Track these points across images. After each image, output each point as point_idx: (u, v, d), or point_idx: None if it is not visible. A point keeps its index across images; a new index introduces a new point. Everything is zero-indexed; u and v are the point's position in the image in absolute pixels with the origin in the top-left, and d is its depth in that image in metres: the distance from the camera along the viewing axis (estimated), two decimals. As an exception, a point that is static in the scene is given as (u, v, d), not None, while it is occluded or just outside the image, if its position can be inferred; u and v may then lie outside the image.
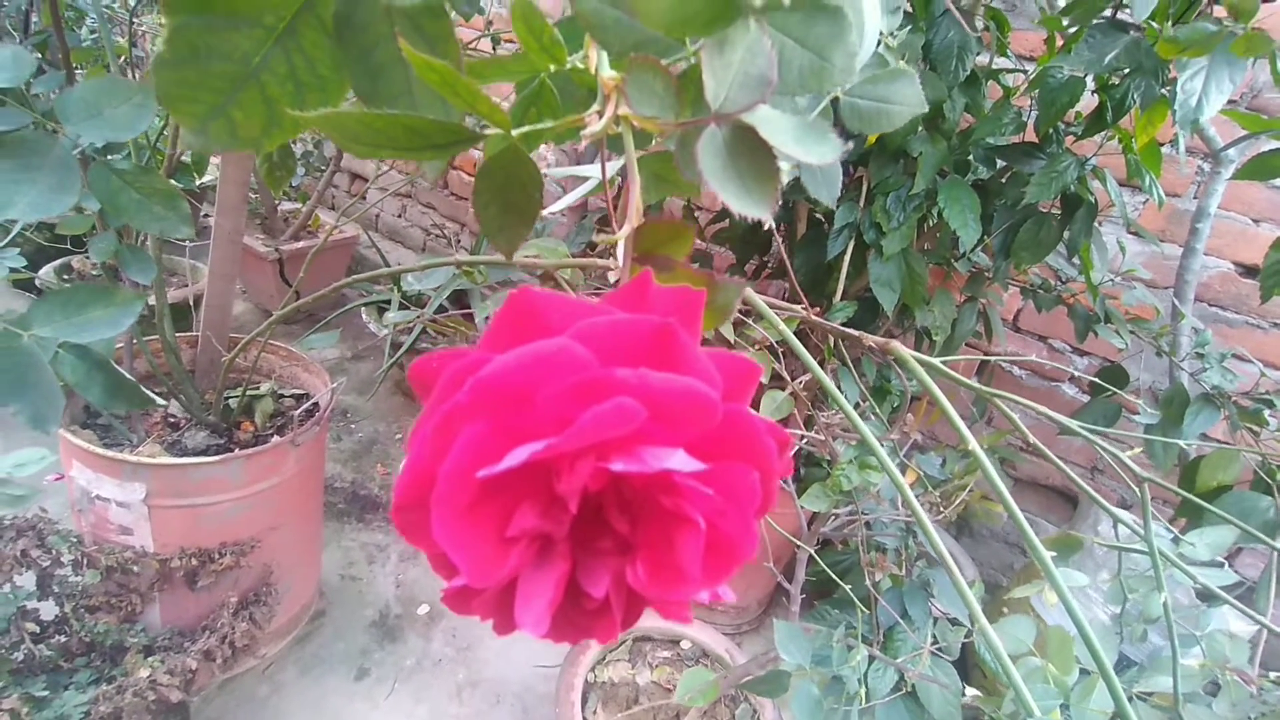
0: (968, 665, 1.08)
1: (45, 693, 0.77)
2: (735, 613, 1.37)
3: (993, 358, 1.11)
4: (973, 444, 0.47)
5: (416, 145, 0.14)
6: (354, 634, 1.15)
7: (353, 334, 1.89)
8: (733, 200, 0.12)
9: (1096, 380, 0.97)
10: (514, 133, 0.15)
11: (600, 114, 0.14)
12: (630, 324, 0.11)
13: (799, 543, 0.64)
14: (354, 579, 1.26)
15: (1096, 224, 0.93)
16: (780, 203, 0.15)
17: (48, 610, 0.83)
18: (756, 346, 0.78)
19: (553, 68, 0.17)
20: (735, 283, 0.15)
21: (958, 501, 0.82)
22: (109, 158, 0.39)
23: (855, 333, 0.56)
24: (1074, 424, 0.52)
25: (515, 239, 0.17)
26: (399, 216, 2.19)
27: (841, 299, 0.91)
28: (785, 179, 0.34)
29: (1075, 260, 1.00)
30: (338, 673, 1.09)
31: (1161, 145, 0.90)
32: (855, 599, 0.63)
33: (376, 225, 2.25)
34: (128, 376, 0.37)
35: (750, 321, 0.80)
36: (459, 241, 1.90)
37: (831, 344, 0.96)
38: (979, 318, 1.03)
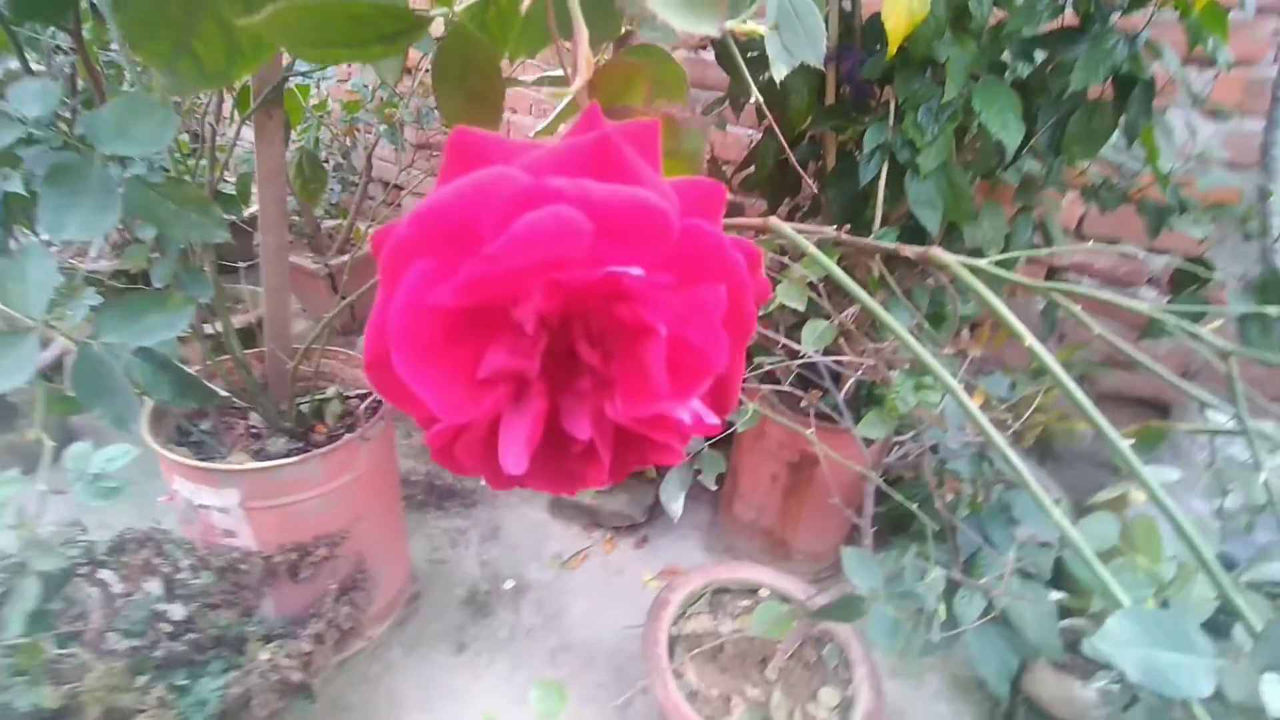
0: (1062, 588, 1.04)
1: (185, 682, 0.85)
2: (812, 559, 1.36)
3: (1054, 284, 1.04)
4: (1029, 340, 0.44)
5: (364, 38, 0.14)
6: (448, 612, 1.22)
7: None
8: (677, 19, 0.12)
9: (1180, 269, 0.89)
10: (457, 7, 0.15)
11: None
12: (570, 144, 0.11)
13: (865, 470, 0.63)
14: (441, 562, 1.33)
15: (1158, 107, 0.84)
16: (723, 34, 0.14)
17: (176, 612, 0.92)
18: (804, 281, 0.76)
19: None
20: (700, 122, 0.14)
21: (1025, 419, 0.78)
22: (142, 173, 0.41)
23: (892, 245, 0.53)
24: (1157, 310, 0.48)
25: (489, 127, 0.17)
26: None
27: (881, 226, 0.87)
28: (783, 72, 0.32)
29: (1138, 150, 0.91)
30: (439, 649, 1.15)
31: (1228, 10, 0.80)
32: (930, 529, 0.61)
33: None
34: (191, 373, 0.40)
35: (789, 262, 0.78)
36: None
37: (877, 275, 0.92)
38: (1035, 229, 0.96)
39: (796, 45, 0.21)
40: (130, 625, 0.83)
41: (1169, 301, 0.97)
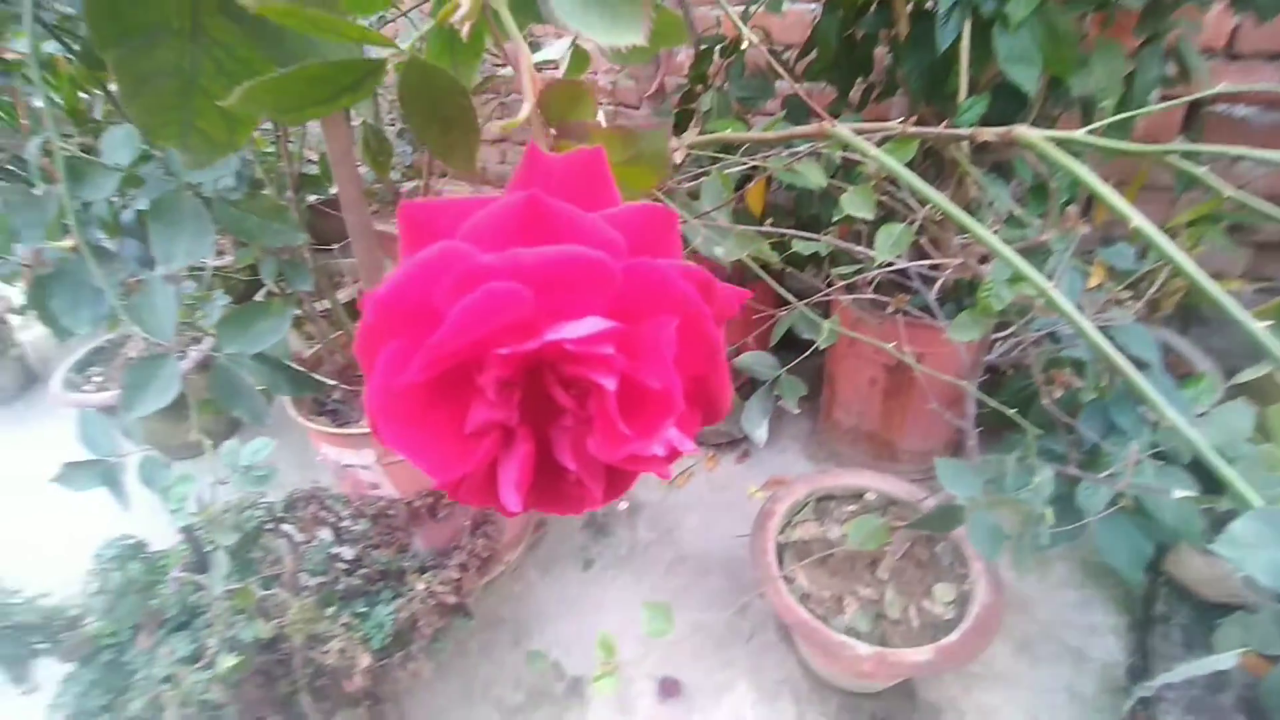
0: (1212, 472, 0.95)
1: (364, 609, 1.02)
2: (920, 458, 1.33)
3: (1170, 146, 0.87)
4: (1136, 220, 0.39)
5: (329, 95, 0.14)
6: (572, 535, 1.33)
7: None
8: (600, 33, 0.11)
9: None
10: (403, 47, 0.14)
11: (463, -5, 0.13)
12: (502, 208, 0.11)
13: (956, 380, 0.59)
14: (558, 493, 1.44)
15: None
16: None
17: (346, 553, 1.08)
18: (872, 183, 0.70)
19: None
20: (656, 127, 0.13)
21: (1163, 285, 0.69)
22: (218, 187, 0.45)
23: (963, 132, 0.47)
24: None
25: (469, 151, 0.17)
26: (501, 162, 2.25)
27: (969, 95, 0.77)
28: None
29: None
30: (569, 567, 1.28)
31: None
32: (1031, 430, 0.57)
33: (485, 178, 2.34)
34: (300, 369, 0.45)
35: (860, 157, 0.72)
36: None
37: (964, 156, 0.82)
38: (1167, 58, 0.80)
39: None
40: (313, 567, 0.99)
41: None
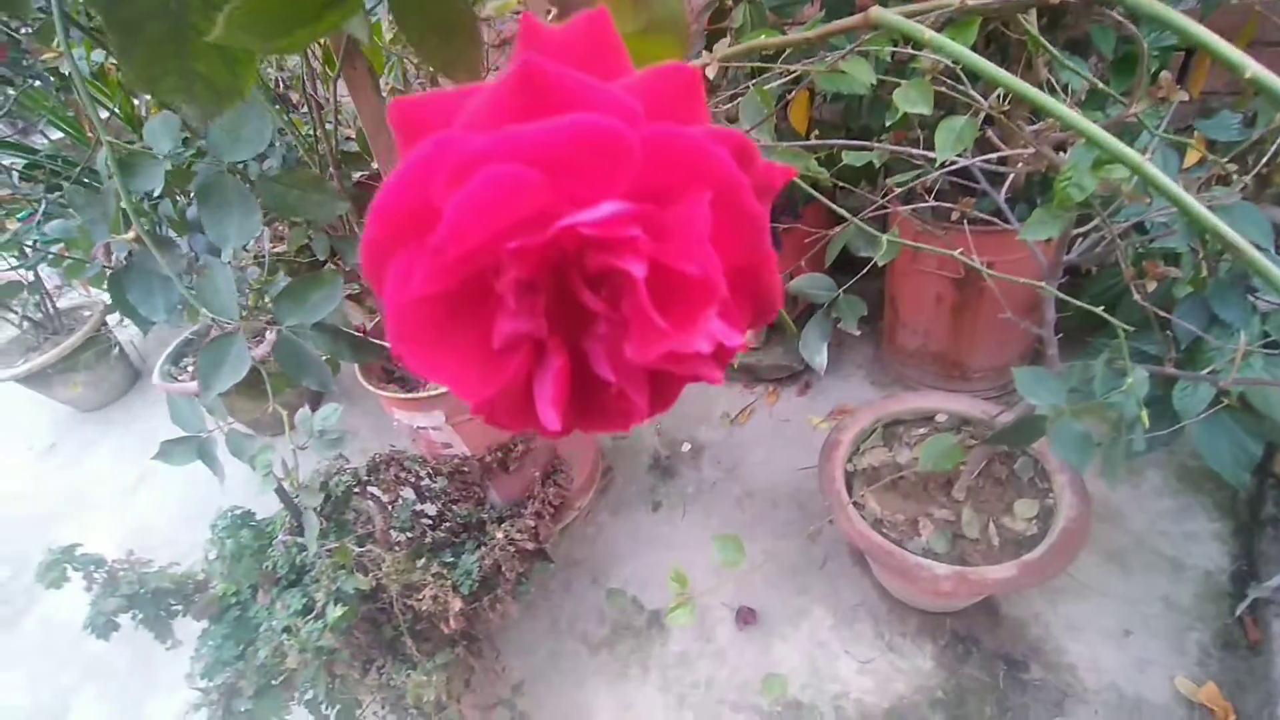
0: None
1: (451, 560, 1.08)
2: (994, 375, 1.27)
3: None
4: (1252, 68, 0.34)
5: (312, 11, 0.13)
6: (639, 478, 1.36)
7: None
8: None
9: None
10: None
11: None
12: (498, 86, 0.10)
13: (1034, 283, 0.55)
14: (622, 438, 1.46)
15: None
16: None
17: (429, 510, 1.15)
18: (928, 76, 0.63)
19: None
20: None
21: (1272, 156, 0.60)
22: (264, 169, 0.46)
23: (1035, -8, 0.42)
24: None
25: (473, 60, 0.16)
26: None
27: (1035, -41, 0.68)
28: None
29: None
30: (638, 509, 1.31)
31: None
32: (1122, 330, 0.52)
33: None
34: (360, 335, 0.46)
35: (914, 50, 0.65)
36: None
37: (1035, 31, 0.73)
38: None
39: None
40: (401, 524, 1.05)
41: None
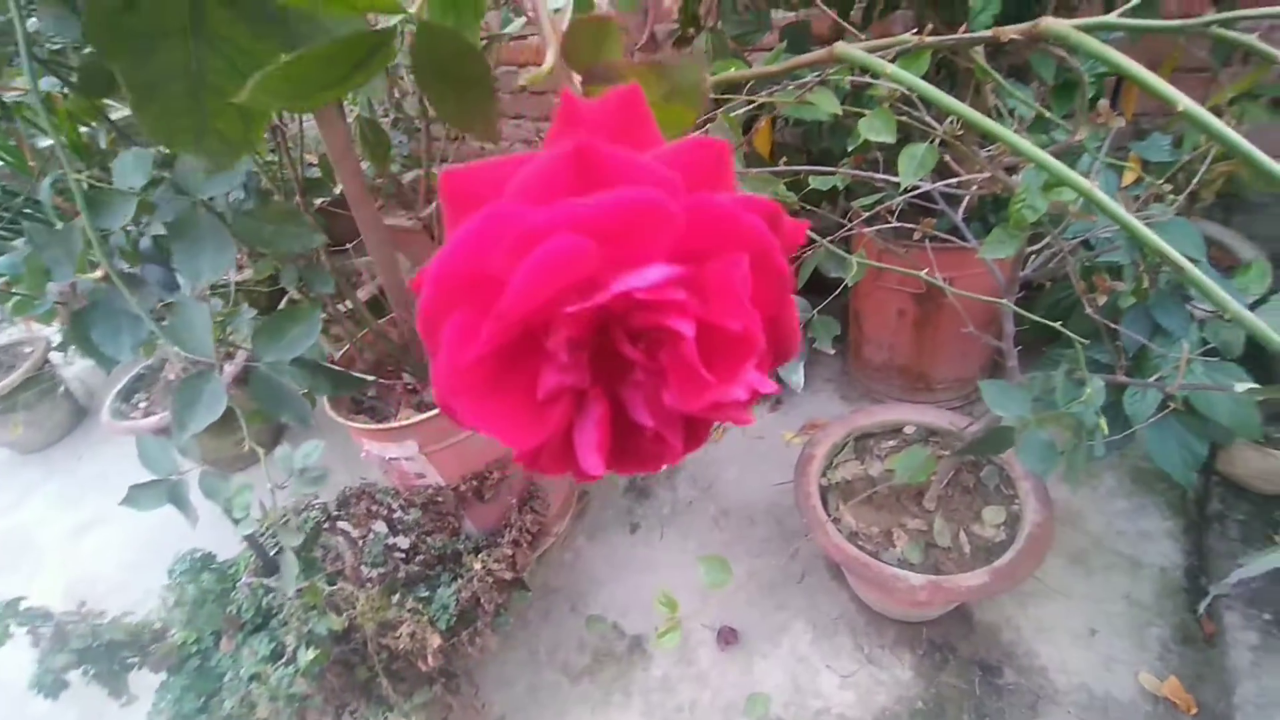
0: (1269, 365, 0.91)
1: (427, 594, 1.05)
2: (958, 385, 1.31)
3: (1209, 18, 0.81)
4: (1184, 103, 0.37)
5: (341, 74, 0.13)
6: (615, 501, 1.35)
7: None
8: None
9: None
10: (410, 10, 0.14)
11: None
12: (548, 160, 0.10)
13: (992, 300, 0.58)
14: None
15: None
16: None
17: (402, 543, 1.12)
18: (886, 105, 0.67)
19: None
20: (688, 57, 0.13)
21: (1202, 175, 0.65)
22: (230, 200, 0.45)
23: (986, 34, 0.45)
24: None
25: (489, 117, 0.17)
26: (498, 141, 2.22)
27: (978, -3, 0.72)
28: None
29: None
30: (615, 532, 1.30)
31: None
32: (1078, 341, 0.55)
33: (484, 157, 2.31)
34: (338, 369, 0.45)
35: (872, 79, 0.68)
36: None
37: (982, 62, 0.78)
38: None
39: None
40: (373, 558, 1.02)
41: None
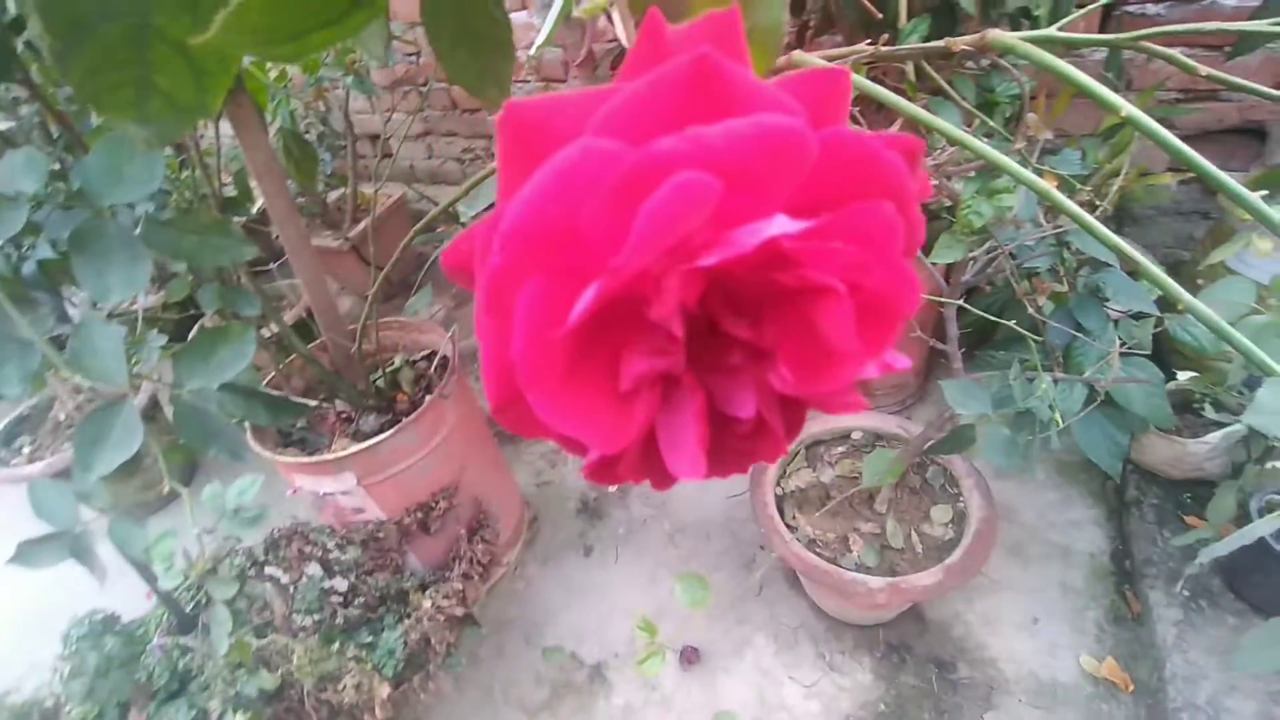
0: (1165, 359, 1.00)
1: (370, 639, 0.97)
2: (896, 390, 1.36)
3: (1140, 32, 0.89)
4: (1125, 108, 0.39)
5: (341, 9, 0.11)
6: (567, 524, 1.31)
7: (444, 282, 1.97)
8: None
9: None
10: None
11: None
12: (656, 80, 0.08)
13: (944, 300, 0.60)
14: (547, 483, 1.41)
15: None
16: None
17: (340, 585, 1.03)
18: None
19: None
20: None
21: (1114, 189, 0.71)
22: (152, 214, 0.40)
23: (936, 43, 0.47)
24: (1257, 25, 0.41)
25: (502, 78, 0.14)
26: (429, 158, 2.16)
27: (908, 19, 0.76)
28: None
29: None
30: (569, 557, 1.26)
31: None
32: (1023, 333, 0.58)
33: (415, 176, 2.24)
34: (276, 394, 0.41)
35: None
36: (491, 154, 1.85)
37: (913, 78, 0.82)
38: (1085, -39, 0.82)
39: None
40: (307, 605, 0.93)
41: (1259, 5, 0.83)
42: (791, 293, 0.09)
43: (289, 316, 1.35)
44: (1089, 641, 1.00)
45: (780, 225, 0.08)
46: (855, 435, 1.12)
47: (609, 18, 0.12)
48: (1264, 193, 0.36)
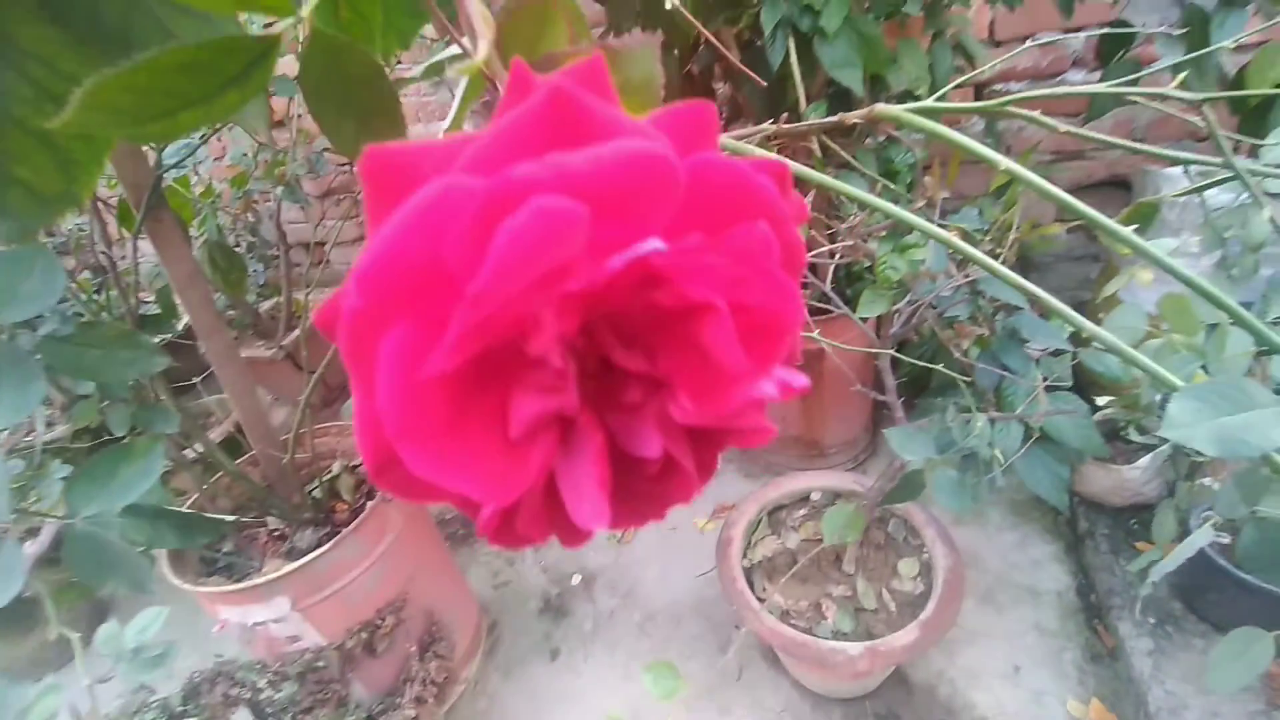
0: (1085, 390, 1.06)
1: (310, 790, 0.86)
2: (847, 448, 1.38)
3: (1004, 100, 1.02)
4: (1004, 163, 0.42)
5: (209, 89, 0.11)
6: (530, 627, 1.22)
7: (386, 385, 1.92)
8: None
9: (1107, 33, 0.87)
10: (302, 12, 0.12)
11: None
12: (517, 117, 0.08)
13: (877, 350, 0.62)
14: (505, 584, 1.33)
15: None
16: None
17: (274, 729, 0.91)
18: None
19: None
20: (644, 42, 0.12)
21: (1010, 241, 0.78)
22: (49, 332, 0.38)
23: (832, 119, 0.51)
24: (1101, 87, 0.46)
25: (394, 150, 0.15)
26: (365, 260, 2.16)
27: (808, 104, 0.84)
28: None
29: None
30: (534, 662, 1.17)
31: None
32: (953, 376, 0.61)
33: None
34: (186, 511, 0.37)
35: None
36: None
37: (819, 154, 0.90)
38: (954, 51, 0.93)
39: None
40: (236, 758, 0.82)
41: (1101, 75, 0.95)
42: (675, 315, 0.09)
43: (216, 433, 1.27)
44: (1072, 684, 0.98)
45: (649, 245, 0.08)
46: (814, 496, 1.11)
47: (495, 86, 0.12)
48: (1135, 226, 0.39)
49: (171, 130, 0.11)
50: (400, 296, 0.08)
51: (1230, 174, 0.38)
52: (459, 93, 0.21)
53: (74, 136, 0.13)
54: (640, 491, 0.10)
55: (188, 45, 0.10)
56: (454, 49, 0.19)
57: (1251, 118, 0.74)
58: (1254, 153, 0.52)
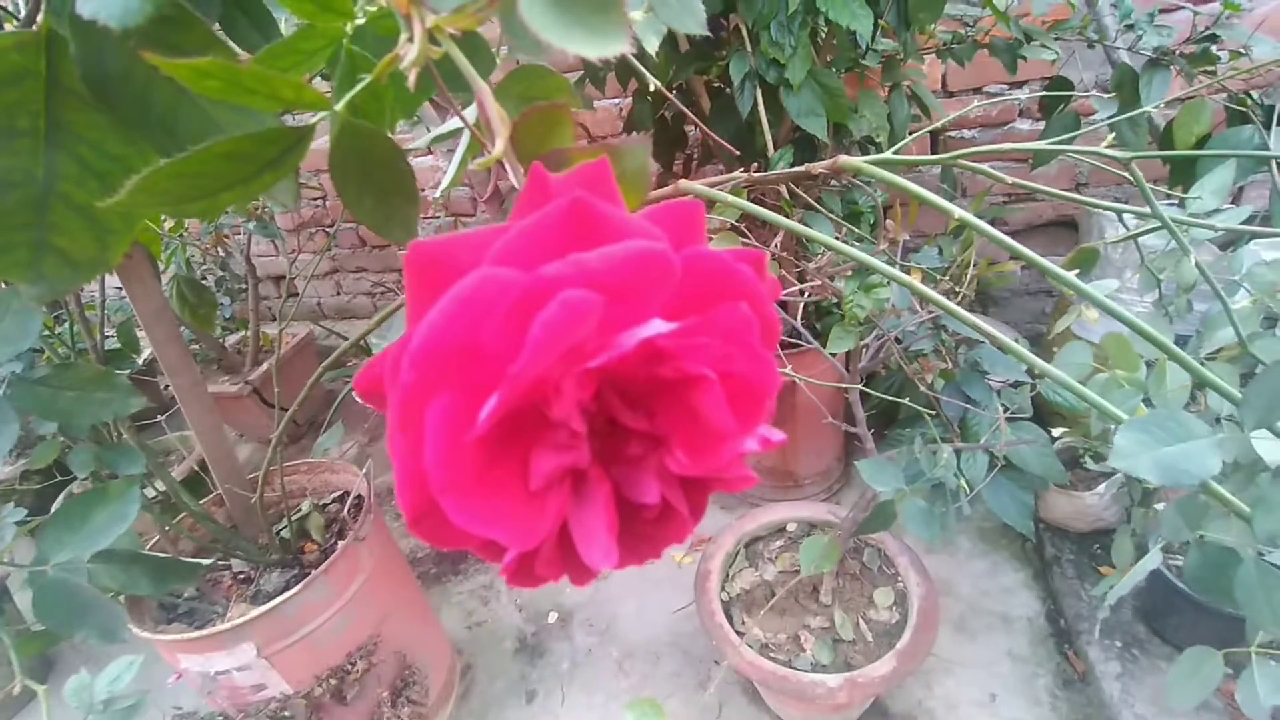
0: (1045, 419, 1.11)
1: None
2: (821, 478, 1.40)
3: (957, 154, 1.08)
4: (957, 212, 0.46)
5: (248, 173, 0.12)
6: (505, 668, 1.20)
7: (357, 418, 1.88)
8: (583, 46, 0.11)
9: (1046, 95, 0.95)
10: (337, 106, 0.13)
11: (410, 38, 0.13)
12: (541, 219, 0.10)
13: (846, 385, 0.64)
14: (479, 624, 1.30)
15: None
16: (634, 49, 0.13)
17: (234, 786, 0.87)
18: (715, 235, 0.76)
19: (348, 26, 0.15)
20: (636, 142, 0.14)
21: (969, 279, 0.82)
22: (21, 373, 0.37)
23: (799, 169, 0.54)
24: (1043, 144, 0.50)
25: (408, 221, 0.16)
26: (337, 294, 2.14)
27: (775, 150, 0.88)
28: (654, 44, 0.31)
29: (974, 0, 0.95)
30: (510, 705, 1.14)
31: None
32: (919, 409, 0.63)
33: (322, 313, 2.21)
34: (163, 555, 0.37)
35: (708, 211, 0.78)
36: (402, 287, 1.86)
37: (788, 197, 0.94)
38: (910, 101, 1.00)
39: (675, 18, 0.20)
40: (194, 819, 0.78)
41: (1045, 127, 1.03)
42: (673, 384, 0.10)
43: (178, 471, 1.23)
44: (1045, 712, 1.00)
45: (655, 327, 0.10)
46: (790, 527, 1.13)
47: (503, 165, 0.14)
48: (1077, 270, 0.43)
49: (211, 209, 0.12)
50: (445, 371, 0.09)
51: (1159, 224, 0.42)
52: (454, 159, 0.22)
53: (115, 212, 0.14)
54: (641, 533, 0.11)
55: (235, 136, 0.11)
56: (454, 122, 0.21)
57: (1180, 167, 0.81)
58: (1184, 203, 0.57)
